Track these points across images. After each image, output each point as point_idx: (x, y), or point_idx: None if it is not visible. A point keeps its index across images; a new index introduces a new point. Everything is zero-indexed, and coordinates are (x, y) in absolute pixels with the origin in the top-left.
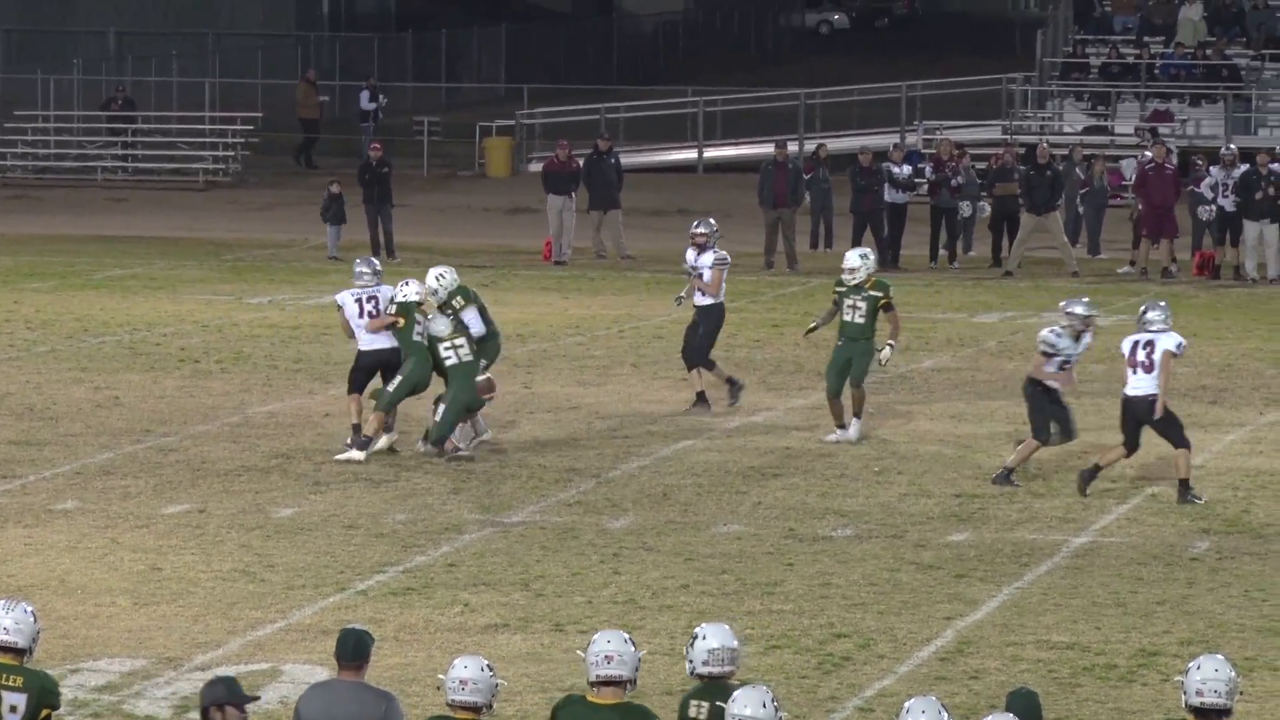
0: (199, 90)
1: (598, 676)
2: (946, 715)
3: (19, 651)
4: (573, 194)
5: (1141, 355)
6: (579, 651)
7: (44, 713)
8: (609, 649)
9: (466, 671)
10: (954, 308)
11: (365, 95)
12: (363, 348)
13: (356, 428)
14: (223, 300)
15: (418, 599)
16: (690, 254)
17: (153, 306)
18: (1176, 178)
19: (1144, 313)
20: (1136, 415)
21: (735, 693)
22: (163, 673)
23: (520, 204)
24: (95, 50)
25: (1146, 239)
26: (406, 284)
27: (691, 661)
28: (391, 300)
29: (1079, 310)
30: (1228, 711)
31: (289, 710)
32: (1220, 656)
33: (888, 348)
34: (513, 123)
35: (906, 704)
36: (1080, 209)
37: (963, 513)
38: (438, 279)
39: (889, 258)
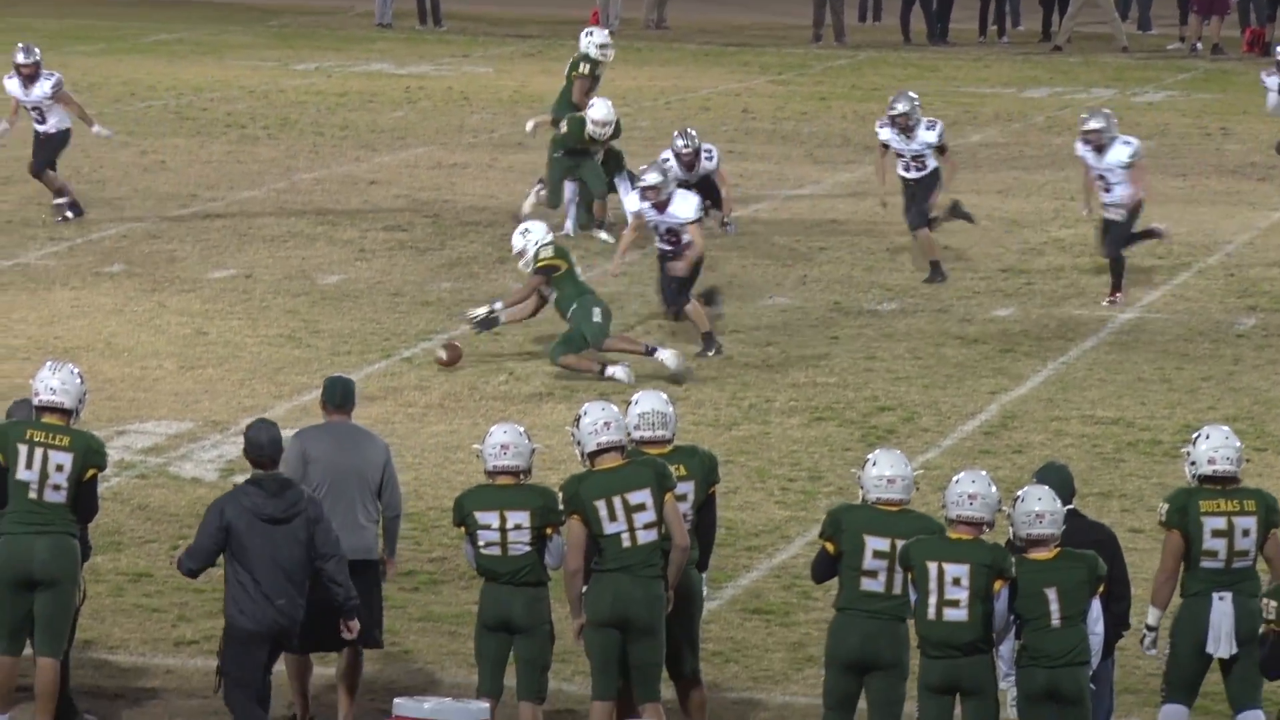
0: None
1: (598, 444)
2: (995, 489)
3: (66, 412)
4: None
5: None
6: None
7: (89, 473)
8: (605, 415)
9: (505, 436)
10: (1002, 82)
11: None
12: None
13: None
14: (269, 66)
15: (463, 366)
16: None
17: (199, 71)
18: None
19: None
20: None
21: (874, 455)
22: (209, 436)
23: None
24: None
25: (1197, 15)
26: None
27: (627, 429)
28: None
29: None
30: (1236, 479)
31: None
32: (1226, 427)
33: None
34: None
35: (956, 476)
36: None
37: (1008, 288)
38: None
39: (938, 31)
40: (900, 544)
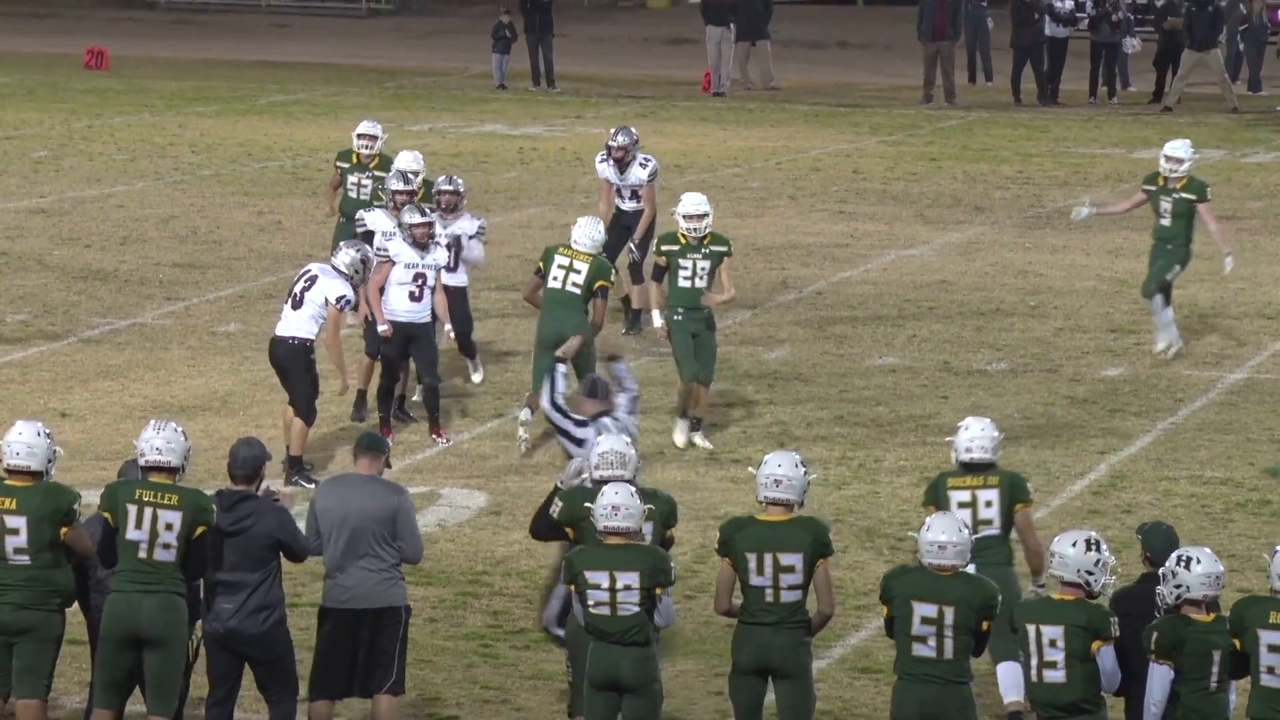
0: None
1: (766, 498)
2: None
3: (172, 470)
4: (731, 25)
5: None
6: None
7: (199, 530)
8: (779, 472)
9: (617, 498)
10: (1113, 143)
11: None
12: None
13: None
14: (384, 127)
15: None
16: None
17: (315, 132)
18: None
19: None
20: None
21: (930, 520)
22: None
23: (680, 35)
24: None
25: None
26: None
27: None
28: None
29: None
30: (992, 465)
31: (446, 533)
32: (987, 419)
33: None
34: None
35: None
36: (1240, 45)
37: (1117, 348)
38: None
39: (1049, 92)
40: (948, 610)
